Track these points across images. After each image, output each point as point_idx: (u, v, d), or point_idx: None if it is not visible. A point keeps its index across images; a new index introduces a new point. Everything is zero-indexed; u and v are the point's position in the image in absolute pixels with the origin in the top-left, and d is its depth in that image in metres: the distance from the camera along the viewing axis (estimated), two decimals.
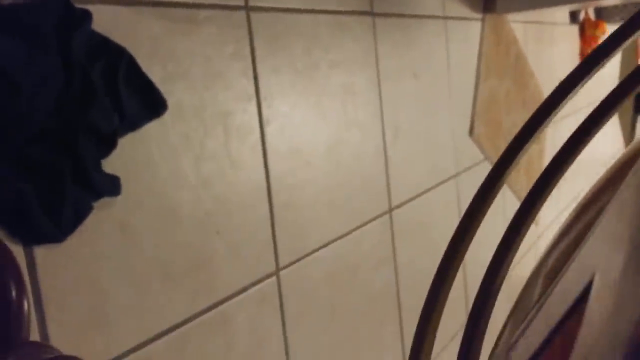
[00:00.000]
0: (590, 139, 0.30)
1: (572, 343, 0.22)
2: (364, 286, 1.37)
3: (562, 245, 0.28)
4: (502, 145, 2.13)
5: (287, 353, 1.13)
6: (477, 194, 0.32)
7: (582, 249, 0.26)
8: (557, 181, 0.29)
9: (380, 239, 1.43)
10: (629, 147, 0.30)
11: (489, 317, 0.30)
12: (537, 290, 0.28)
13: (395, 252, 1.50)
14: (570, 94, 0.30)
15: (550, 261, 0.29)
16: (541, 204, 0.30)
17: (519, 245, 0.30)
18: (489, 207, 0.32)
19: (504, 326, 0.30)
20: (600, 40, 3.35)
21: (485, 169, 2.04)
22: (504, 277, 0.30)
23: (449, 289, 0.32)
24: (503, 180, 0.32)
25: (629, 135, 4.40)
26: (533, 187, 0.30)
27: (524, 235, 0.31)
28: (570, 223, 0.29)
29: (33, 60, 0.64)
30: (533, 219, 0.31)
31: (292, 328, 1.14)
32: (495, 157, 2.08)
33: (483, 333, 0.30)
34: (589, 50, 3.18)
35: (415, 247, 1.60)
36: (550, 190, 0.30)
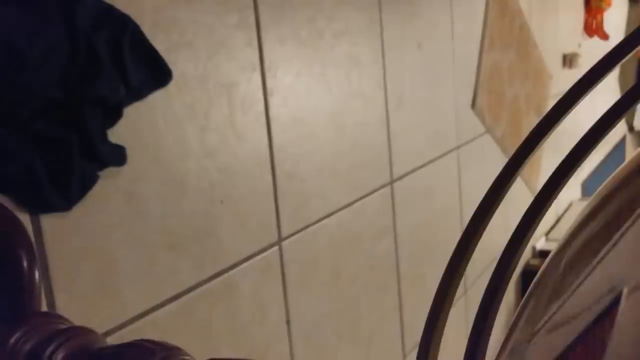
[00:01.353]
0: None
1: (601, 350, 0.22)
2: (365, 256, 1.39)
3: (585, 235, 0.29)
4: (504, 117, 2.13)
5: (288, 321, 1.15)
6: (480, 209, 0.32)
7: (611, 253, 0.26)
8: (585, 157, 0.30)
9: (381, 210, 1.44)
10: None
11: (499, 306, 0.30)
12: (557, 282, 0.29)
13: (396, 222, 1.51)
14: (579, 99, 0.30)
15: (571, 251, 0.29)
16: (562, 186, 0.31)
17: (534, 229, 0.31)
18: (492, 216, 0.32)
19: (519, 314, 0.31)
20: (605, 12, 3.30)
21: (487, 141, 2.04)
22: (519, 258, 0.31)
23: (457, 287, 0.33)
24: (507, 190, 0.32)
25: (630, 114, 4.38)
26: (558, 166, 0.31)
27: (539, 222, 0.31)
28: (593, 211, 0.29)
29: (38, 32, 0.64)
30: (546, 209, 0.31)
31: (294, 296, 1.16)
32: (496, 130, 2.08)
33: (492, 323, 0.31)
34: (593, 22, 3.16)
35: (415, 218, 1.61)
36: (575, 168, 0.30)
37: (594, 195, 0.31)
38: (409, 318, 1.59)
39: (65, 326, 0.50)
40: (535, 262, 2.57)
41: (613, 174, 0.30)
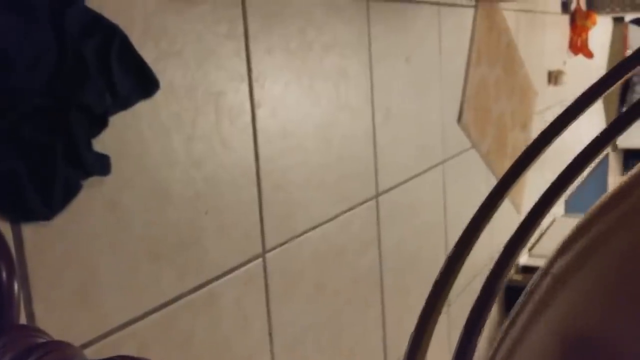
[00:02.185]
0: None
1: None
2: (349, 269, 1.39)
3: (568, 257, 0.29)
4: (490, 132, 2.15)
5: (270, 334, 1.14)
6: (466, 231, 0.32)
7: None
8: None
9: (366, 223, 1.44)
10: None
11: (486, 318, 0.30)
12: (541, 297, 0.29)
13: (380, 236, 1.51)
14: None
15: (556, 268, 0.29)
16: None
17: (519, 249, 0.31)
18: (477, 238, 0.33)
19: (505, 333, 0.31)
20: (590, 31, 3.34)
21: (472, 156, 2.06)
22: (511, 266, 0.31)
23: (442, 307, 0.33)
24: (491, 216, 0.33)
25: None
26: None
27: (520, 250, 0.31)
28: (574, 235, 0.30)
29: (27, 37, 0.63)
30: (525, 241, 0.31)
31: (277, 309, 1.15)
32: (481, 145, 2.10)
33: (476, 344, 0.31)
34: (578, 41, 3.20)
35: (399, 231, 1.61)
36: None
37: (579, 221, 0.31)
38: (391, 332, 1.59)
39: (44, 340, 0.49)
40: (518, 277, 2.58)
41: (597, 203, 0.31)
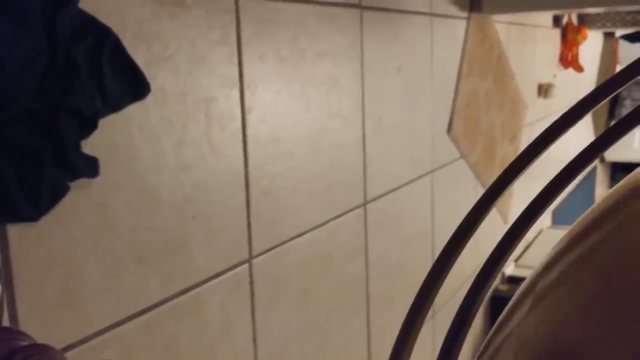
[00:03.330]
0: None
1: None
2: (335, 277, 1.39)
3: (552, 276, 0.29)
4: (479, 144, 2.16)
5: (255, 340, 1.14)
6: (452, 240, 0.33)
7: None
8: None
9: (353, 231, 1.45)
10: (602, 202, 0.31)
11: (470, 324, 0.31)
12: (524, 314, 0.29)
13: (367, 244, 1.51)
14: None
15: (539, 287, 0.30)
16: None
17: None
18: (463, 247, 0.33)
19: (488, 342, 0.31)
20: (581, 45, 3.37)
21: (461, 167, 2.07)
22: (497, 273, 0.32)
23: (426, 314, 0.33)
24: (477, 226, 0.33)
25: None
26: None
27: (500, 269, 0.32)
28: (556, 256, 0.30)
29: (18, 39, 0.63)
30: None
31: (262, 315, 1.15)
32: (470, 156, 2.11)
33: (458, 354, 0.31)
34: (568, 55, 3.22)
35: (386, 240, 1.62)
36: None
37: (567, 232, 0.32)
38: (376, 340, 1.59)
39: (27, 343, 0.49)
40: (504, 287, 2.59)
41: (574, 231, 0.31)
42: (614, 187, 0.32)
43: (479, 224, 0.34)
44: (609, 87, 0.32)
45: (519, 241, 0.33)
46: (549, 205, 0.32)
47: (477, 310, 0.30)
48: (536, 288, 0.31)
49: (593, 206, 0.31)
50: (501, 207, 2.45)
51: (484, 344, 0.32)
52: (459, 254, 0.34)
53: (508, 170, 0.33)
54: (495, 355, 0.30)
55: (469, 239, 0.33)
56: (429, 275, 0.32)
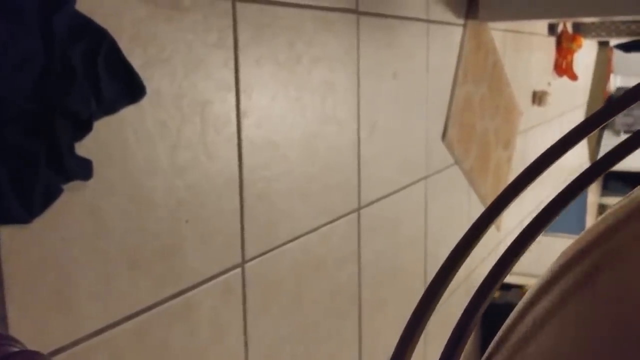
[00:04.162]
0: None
1: None
2: (327, 281, 1.39)
3: (546, 302, 0.29)
4: (473, 150, 2.16)
5: (246, 343, 1.14)
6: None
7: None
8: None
9: (347, 236, 1.45)
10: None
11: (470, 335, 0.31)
12: (524, 332, 0.29)
13: (360, 249, 1.51)
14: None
15: (537, 312, 0.29)
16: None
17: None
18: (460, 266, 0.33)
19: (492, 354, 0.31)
20: (576, 54, 3.38)
21: (455, 173, 2.07)
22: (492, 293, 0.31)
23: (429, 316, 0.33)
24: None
25: (594, 148, 4.50)
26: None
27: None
28: (536, 295, 0.30)
29: (13, 40, 0.63)
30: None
31: (254, 319, 1.15)
32: (464, 162, 2.11)
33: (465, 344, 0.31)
34: (563, 63, 3.24)
35: (379, 245, 1.62)
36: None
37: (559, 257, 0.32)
38: (368, 346, 1.59)
39: (17, 349, 0.48)
40: (495, 294, 2.60)
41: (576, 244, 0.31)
42: (612, 210, 0.32)
43: (474, 246, 0.34)
44: (606, 112, 0.32)
45: (509, 270, 0.32)
46: (541, 232, 0.32)
47: (469, 336, 0.30)
48: (530, 315, 0.30)
49: (591, 225, 0.31)
50: (480, 184, 2.46)
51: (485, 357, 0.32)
52: (453, 277, 0.34)
53: (503, 194, 0.32)
54: None
55: (464, 261, 0.33)
56: (424, 297, 0.32)
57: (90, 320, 0.82)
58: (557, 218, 0.30)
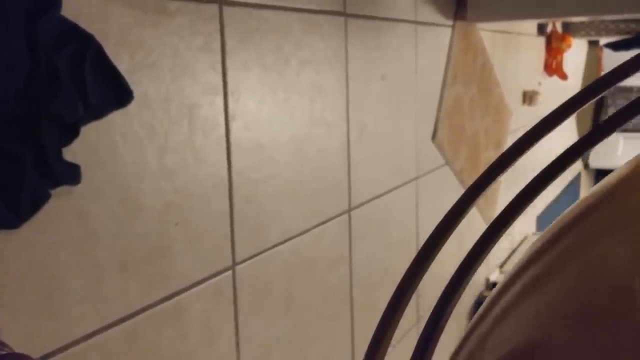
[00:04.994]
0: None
1: None
2: (319, 283, 1.39)
3: (518, 285, 0.30)
4: (463, 151, 2.18)
5: (238, 346, 1.14)
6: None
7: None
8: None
9: (338, 237, 1.45)
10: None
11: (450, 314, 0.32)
12: (492, 321, 0.30)
13: (352, 251, 1.52)
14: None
15: (513, 290, 0.30)
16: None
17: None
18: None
19: (471, 329, 0.32)
20: (565, 53, 3.40)
21: (446, 174, 2.08)
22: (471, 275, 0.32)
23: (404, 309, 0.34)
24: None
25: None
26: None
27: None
28: (525, 264, 0.31)
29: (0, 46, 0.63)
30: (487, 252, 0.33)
31: (245, 322, 1.15)
32: (455, 163, 2.12)
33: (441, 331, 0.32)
34: (553, 62, 3.25)
35: (371, 247, 1.63)
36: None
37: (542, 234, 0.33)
38: (360, 347, 1.60)
39: (4, 352, 0.49)
40: (488, 293, 2.61)
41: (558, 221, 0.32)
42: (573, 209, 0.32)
43: (458, 224, 0.35)
44: (593, 89, 0.33)
45: (494, 244, 0.33)
46: (524, 209, 0.33)
47: (446, 320, 0.31)
48: (510, 290, 0.31)
49: (573, 205, 0.32)
50: (485, 212, 2.47)
51: (457, 345, 0.33)
52: (437, 253, 0.35)
53: (489, 170, 0.33)
54: (469, 357, 0.30)
55: (447, 238, 0.34)
56: (407, 274, 0.33)
57: (81, 324, 0.83)
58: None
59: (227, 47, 1.05)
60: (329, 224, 1.40)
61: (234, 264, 1.11)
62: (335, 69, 1.37)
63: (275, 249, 1.22)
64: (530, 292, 0.30)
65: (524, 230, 3.30)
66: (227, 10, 1.04)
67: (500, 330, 0.30)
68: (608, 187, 0.31)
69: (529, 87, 2.97)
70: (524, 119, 2.91)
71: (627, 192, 0.29)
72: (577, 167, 4.73)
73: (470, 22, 2.09)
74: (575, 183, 4.64)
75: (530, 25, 2.98)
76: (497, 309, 0.32)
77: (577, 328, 0.26)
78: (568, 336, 0.26)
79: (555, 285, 0.28)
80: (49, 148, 0.73)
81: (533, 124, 0.33)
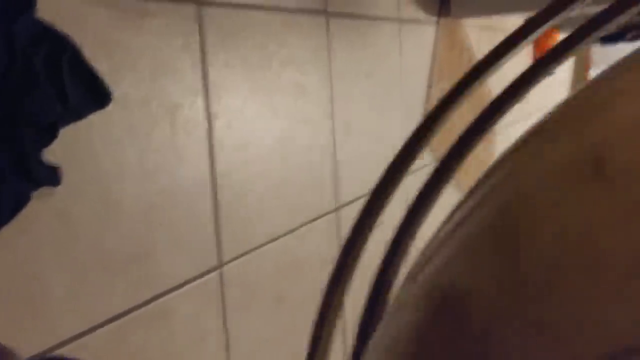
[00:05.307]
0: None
1: None
2: (308, 282, 1.39)
3: (449, 223, 0.31)
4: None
5: (227, 347, 1.14)
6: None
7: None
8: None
9: (326, 236, 1.45)
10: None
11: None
12: (428, 254, 0.31)
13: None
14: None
15: (441, 233, 0.31)
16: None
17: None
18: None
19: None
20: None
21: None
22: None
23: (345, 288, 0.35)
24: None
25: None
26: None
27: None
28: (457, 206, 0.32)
29: None
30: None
31: (234, 323, 1.15)
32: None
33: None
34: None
35: None
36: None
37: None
38: (351, 346, 1.59)
39: None
40: None
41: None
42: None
43: (411, 162, 0.36)
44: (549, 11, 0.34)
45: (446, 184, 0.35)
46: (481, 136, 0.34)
47: (388, 295, 0.32)
48: (439, 234, 0.33)
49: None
50: (461, 182, 2.48)
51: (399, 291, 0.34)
52: (387, 197, 0.36)
53: (450, 92, 0.35)
54: (403, 299, 0.31)
55: (401, 178, 0.35)
56: (357, 221, 0.34)
57: (65, 326, 0.82)
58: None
59: (207, 47, 1.05)
60: (316, 222, 1.40)
61: (221, 264, 1.11)
62: (318, 68, 1.38)
63: (263, 248, 1.22)
64: (457, 230, 0.31)
65: None
66: (205, 10, 1.04)
67: (430, 266, 0.31)
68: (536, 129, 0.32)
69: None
70: (514, 115, 2.91)
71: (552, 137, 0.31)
72: None
73: (455, 19, 2.09)
74: None
75: (516, 20, 2.99)
76: (433, 244, 0.33)
77: (494, 261, 0.27)
78: (486, 270, 0.27)
79: (475, 221, 0.29)
80: (28, 149, 0.73)
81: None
